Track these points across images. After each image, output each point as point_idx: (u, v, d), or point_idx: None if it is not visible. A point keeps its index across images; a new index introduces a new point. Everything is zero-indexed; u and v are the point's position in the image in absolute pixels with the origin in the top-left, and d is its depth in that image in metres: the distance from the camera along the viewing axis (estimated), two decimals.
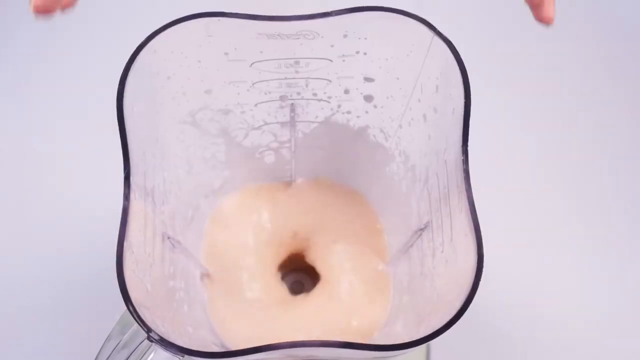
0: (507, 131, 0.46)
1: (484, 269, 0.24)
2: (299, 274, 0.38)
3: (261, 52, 0.30)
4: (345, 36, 0.29)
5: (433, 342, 0.24)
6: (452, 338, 0.25)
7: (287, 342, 0.24)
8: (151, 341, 0.24)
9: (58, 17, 0.26)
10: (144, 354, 0.26)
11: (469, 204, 0.25)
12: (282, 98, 0.33)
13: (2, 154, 0.46)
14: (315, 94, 0.33)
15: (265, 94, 0.32)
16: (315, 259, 0.37)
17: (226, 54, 0.30)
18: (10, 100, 0.48)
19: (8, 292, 0.41)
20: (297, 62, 0.31)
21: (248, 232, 0.37)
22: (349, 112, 0.34)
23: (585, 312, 0.41)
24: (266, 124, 0.34)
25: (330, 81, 0.32)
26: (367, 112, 0.34)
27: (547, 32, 0.49)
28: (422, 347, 0.36)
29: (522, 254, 0.42)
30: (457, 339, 0.32)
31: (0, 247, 0.43)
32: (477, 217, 0.25)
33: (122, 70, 0.27)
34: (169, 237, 0.31)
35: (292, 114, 0.34)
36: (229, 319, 0.35)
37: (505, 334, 0.41)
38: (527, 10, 0.29)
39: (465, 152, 0.26)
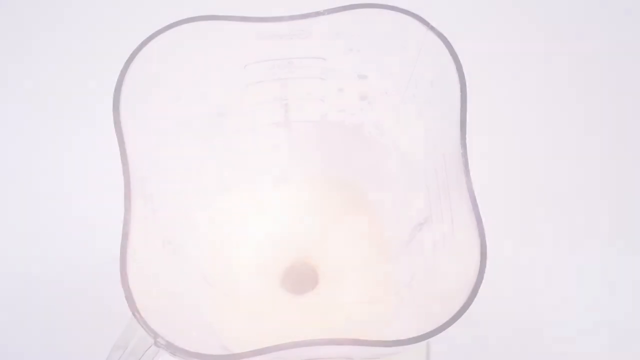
0: (505, 126, 0.46)
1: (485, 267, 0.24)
2: (299, 274, 0.38)
3: (255, 53, 0.30)
4: (338, 34, 0.29)
5: (433, 340, 0.24)
6: (452, 335, 0.25)
7: (292, 342, 0.24)
8: (158, 347, 0.24)
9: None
10: None
11: (470, 197, 0.25)
12: (277, 99, 0.33)
13: (1, 159, 0.46)
14: (309, 94, 0.33)
15: (260, 95, 0.32)
16: (315, 258, 0.37)
17: (220, 56, 0.30)
18: (5, 104, 0.47)
19: (11, 301, 0.41)
20: (290, 62, 0.31)
21: (246, 233, 0.37)
22: (343, 110, 0.34)
23: (587, 311, 0.41)
24: (261, 125, 0.34)
25: (324, 80, 0.32)
26: (361, 109, 0.34)
27: (547, 25, 0.49)
28: (423, 345, 0.36)
29: (524, 251, 0.42)
30: (457, 337, 0.32)
31: (2, 256, 0.43)
32: (478, 210, 0.25)
33: (117, 77, 0.27)
34: (169, 242, 0.31)
35: (287, 114, 0.34)
36: (231, 322, 0.35)
37: (506, 332, 0.41)
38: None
39: (463, 145, 0.26)
